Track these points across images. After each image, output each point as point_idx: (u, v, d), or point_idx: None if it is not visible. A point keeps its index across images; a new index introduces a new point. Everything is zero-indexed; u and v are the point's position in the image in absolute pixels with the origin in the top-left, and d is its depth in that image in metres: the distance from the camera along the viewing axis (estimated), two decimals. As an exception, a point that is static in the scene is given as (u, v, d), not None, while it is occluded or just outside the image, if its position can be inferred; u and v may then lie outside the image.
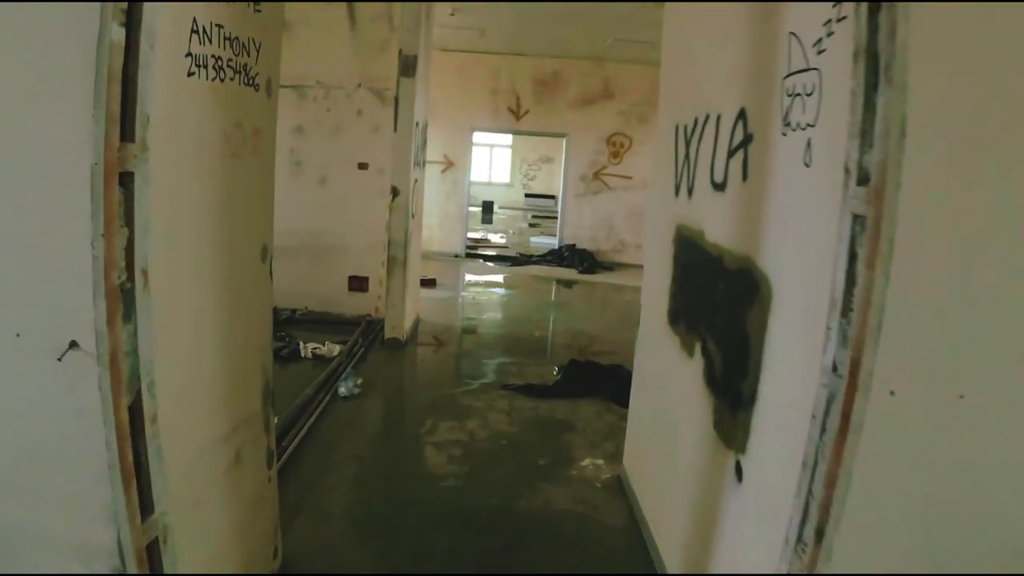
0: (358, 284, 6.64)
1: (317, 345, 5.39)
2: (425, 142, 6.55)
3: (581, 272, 10.90)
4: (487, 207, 18.79)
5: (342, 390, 4.54)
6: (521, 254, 12.27)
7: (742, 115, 2.23)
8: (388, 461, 3.80)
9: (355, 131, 6.50)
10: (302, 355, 5.33)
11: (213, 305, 1.87)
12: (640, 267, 11.61)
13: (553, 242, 12.87)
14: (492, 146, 22.36)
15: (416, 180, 6.04)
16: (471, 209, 13.03)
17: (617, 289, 9.97)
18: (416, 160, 5.99)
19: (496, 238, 15.32)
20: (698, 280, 2.61)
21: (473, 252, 12.37)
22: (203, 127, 1.73)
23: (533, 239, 15.03)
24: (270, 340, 2.35)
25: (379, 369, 5.34)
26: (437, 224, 11.74)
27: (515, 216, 20.31)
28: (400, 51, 5.69)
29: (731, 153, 2.31)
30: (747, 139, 2.17)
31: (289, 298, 6.60)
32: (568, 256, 11.52)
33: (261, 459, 2.33)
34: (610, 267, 11.49)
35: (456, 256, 11.76)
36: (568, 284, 10.23)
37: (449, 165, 11.76)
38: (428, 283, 8.86)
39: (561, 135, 11.94)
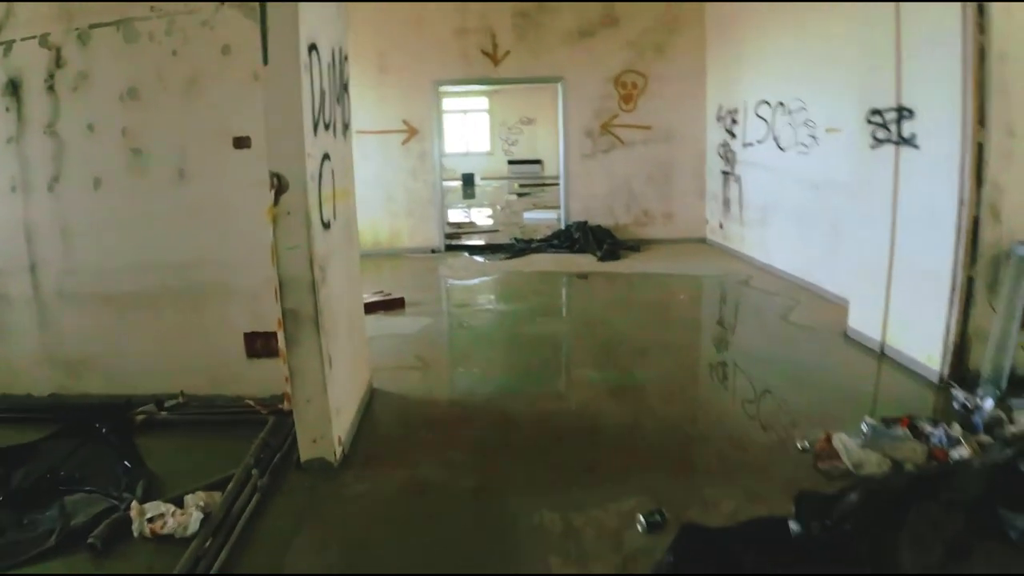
0: (263, 345, 3.89)
1: (160, 512, 2.67)
2: (345, 87, 3.71)
3: (601, 259, 8.15)
4: (467, 180, 16.22)
5: None
6: (518, 239, 9.48)
7: None
8: None
9: (223, 83, 3.69)
10: (134, 533, 2.62)
11: None
12: (674, 242, 8.88)
13: (551, 216, 10.16)
14: (466, 112, 19.77)
15: (326, 157, 3.22)
16: (449, 184, 10.23)
17: (649, 279, 7.28)
18: (323, 119, 3.18)
19: (482, 217, 12.54)
20: None
21: (455, 243, 9.59)
22: None
23: (527, 215, 12.24)
24: None
25: (278, 562, 2.59)
26: (404, 211, 9.00)
27: (500, 187, 17.70)
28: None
29: None
30: None
31: (151, 379, 3.88)
32: (580, 238, 8.78)
33: None
34: (635, 247, 8.78)
35: (433, 251, 9.00)
36: (585, 276, 7.54)
37: (412, 133, 8.93)
38: (391, 305, 6.12)
39: (554, 80, 9.10)
